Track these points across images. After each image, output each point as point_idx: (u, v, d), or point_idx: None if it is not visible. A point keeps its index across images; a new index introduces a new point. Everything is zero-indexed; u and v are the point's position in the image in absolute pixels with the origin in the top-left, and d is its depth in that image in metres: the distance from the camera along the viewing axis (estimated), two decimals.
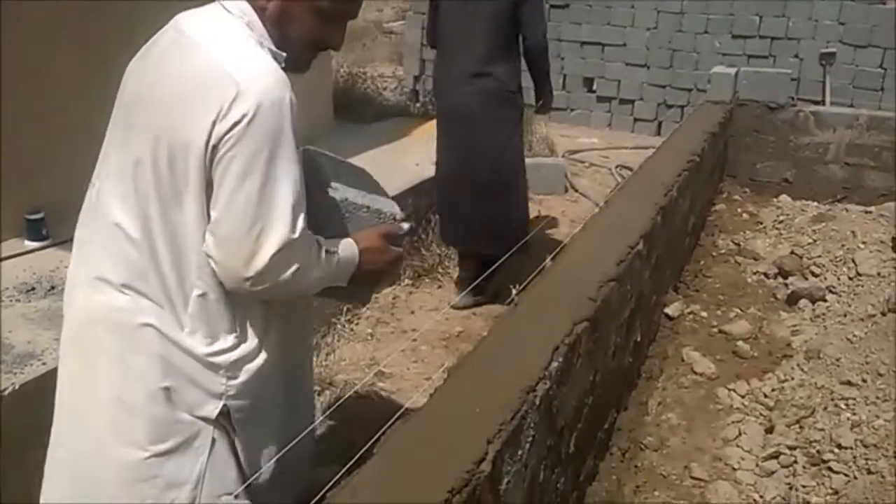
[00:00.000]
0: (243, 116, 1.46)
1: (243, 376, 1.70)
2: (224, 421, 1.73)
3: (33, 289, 3.12)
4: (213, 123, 1.46)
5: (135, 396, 1.63)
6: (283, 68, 1.57)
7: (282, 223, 1.54)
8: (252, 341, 1.71)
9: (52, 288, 3.12)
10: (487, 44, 4.12)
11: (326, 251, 1.68)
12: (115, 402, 1.64)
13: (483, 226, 4.18)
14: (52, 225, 3.58)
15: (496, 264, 3.82)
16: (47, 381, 2.56)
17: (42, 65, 3.64)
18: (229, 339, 1.67)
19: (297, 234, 1.56)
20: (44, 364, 2.58)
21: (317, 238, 1.67)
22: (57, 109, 3.72)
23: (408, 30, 10.29)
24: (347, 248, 1.74)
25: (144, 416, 1.64)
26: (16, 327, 2.82)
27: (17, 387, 2.47)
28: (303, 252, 1.61)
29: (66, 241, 3.53)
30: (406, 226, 1.87)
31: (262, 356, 1.73)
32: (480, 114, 4.10)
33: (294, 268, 1.58)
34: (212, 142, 1.48)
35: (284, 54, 1.59)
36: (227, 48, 1.53)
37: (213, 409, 1.69)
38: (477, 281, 3.69)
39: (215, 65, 1.49)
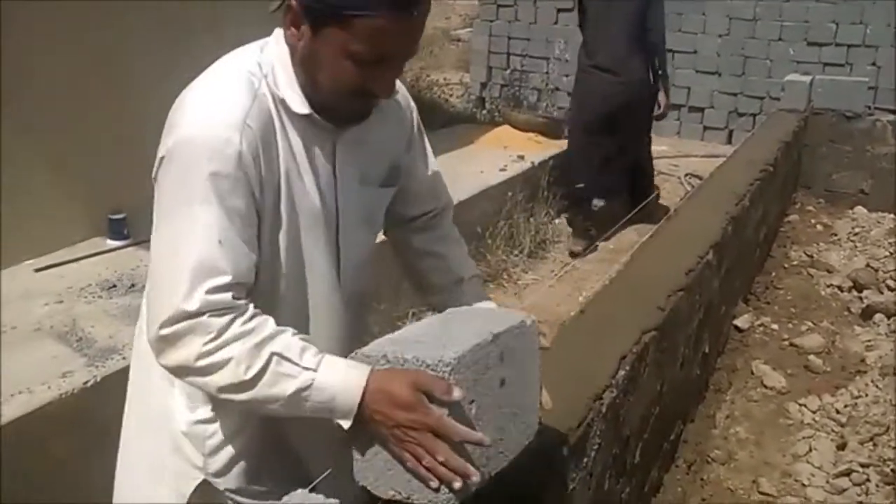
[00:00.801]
0: (161, 157, 1.28)
1: (223, 456, 1.44)
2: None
3: (114, 286, 3.24)
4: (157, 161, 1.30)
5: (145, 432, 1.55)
6: (320, 116, 1.31)
7: (172, 290, 1.18)
8: (233, 418, 1.42)
9: (133, 285, 3.24)
10: (626, 36, 5.04)
11: (281, 357, 1.17)
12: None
13: (627, 182, 5.50)
14: (134, 225, 3.71)
15: (629, 215, 4.98)
16: (127, 374, 2.67)
17: (125, 63, 3.78)
18: (207, 411, 1.42)
19: (192, 308, 1.16)
20: (124, 358, 2.68)
21: (272, 336, 1.19)
22: (141, 109, 3.85)
23: (475, 37, 10.34)
24: (336, 374, 1.17)
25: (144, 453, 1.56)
26: (98, 322, 2.94)
27: (98, 379, 2.57)
28: (217, 330, 1.17)
29: (146, 241, 3.66)
30: (458, 393, 1.11)
31: (246, 437, 1.44)
32: (622, 100, 5.04)
33: (200, 346, 1.17)
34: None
35: (295, 100, 1.30)
36: (202, 81, 1.31)
37: (192, 482, 1.46)
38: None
39: (177, 100, 1.31)
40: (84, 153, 3.65)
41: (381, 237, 1.63)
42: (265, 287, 1.34)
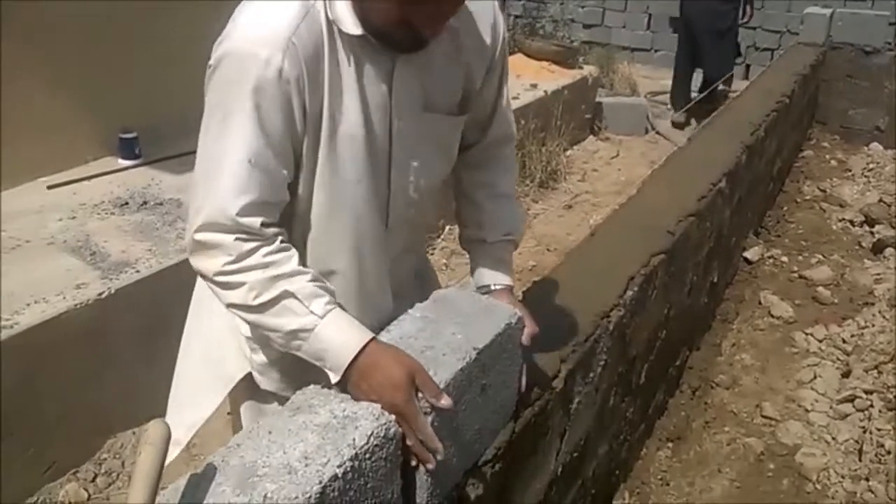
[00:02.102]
0: (209, 66, 1.25)
1: (264, 356, 1.49)
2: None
3: (126, 203, 3.25)
4: None
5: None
6: (376, 39, 1.25)
7: (205, 200, 1.21)
8: None
9: (144, 203, 3.25)
10: None
11: (293, 296, 1.20)
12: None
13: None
14: (144, 145, 3.71)
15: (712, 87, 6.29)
16: (140, 287, 2.71)
17: None
18: None
19: (221, 221, 1.20)
20: (137, 272, 2.71)
21: (290, 274, 1.22)
22: (153, 31, 3.81)
23: None
24: (337, 329, 1.21)
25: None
26: (111, 238, 2.96)
27: (112, 291, 2.60)
28: (238, 255, 1.20)
29: (157, 161, 3.67)
30: (445, 402, 1.18)
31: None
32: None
33: (220, 265, 1.21)
34: None
35: (347, 20, 1.23)
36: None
37: (239, 372, 1.53)
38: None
39: (236, 9, 1.27)
40: (96, 73, 3.62)
41: None
42: (303, 207, 1.34)
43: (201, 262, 1.25)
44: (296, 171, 1.29)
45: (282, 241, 1.25)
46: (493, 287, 1.54)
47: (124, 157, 3.67)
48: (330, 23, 1.23)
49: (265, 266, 1.21)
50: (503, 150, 1.60)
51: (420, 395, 1.18)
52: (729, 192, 3.27)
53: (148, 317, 2.71)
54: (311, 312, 1.20)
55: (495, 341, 1.36)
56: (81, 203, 3.26)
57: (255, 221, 1.21)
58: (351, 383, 1.20)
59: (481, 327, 1.37)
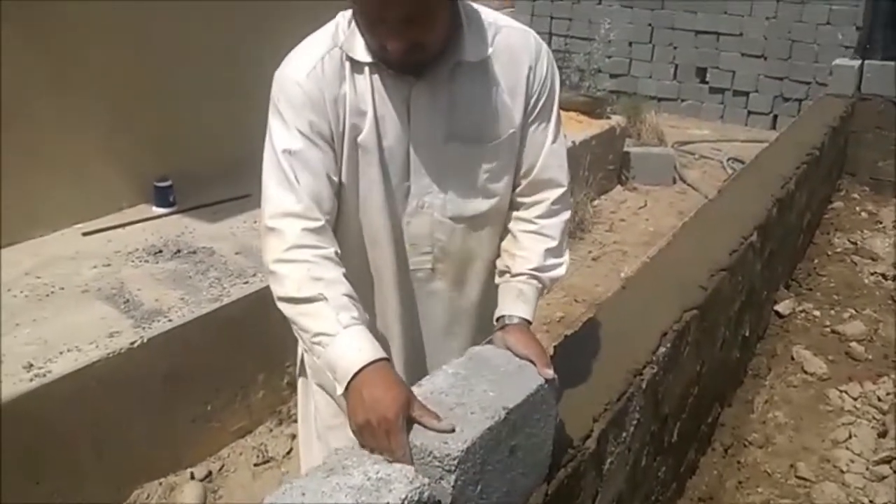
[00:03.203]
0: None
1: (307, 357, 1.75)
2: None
3: (160, 251, 3.30)
4: None
5: None
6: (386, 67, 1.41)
7: (269, 191, 1.42)
8: None
9: (178, 251, 3.29)
10: None
11: (325, 300, 1.31)
12: None
13: None
14: (179, 192, 3.77)
15: None
16: (172, 336, 2.73)
17: (174, 37, 3.82)
18: None
19: (271, 224, 1.39)
20: (169, 321, 2.74)
21: (331, 281, 1.34)
22: (188, 81, 3.90)
23: (517, 16, 10.25)
24: (351, 344, 1.28)
25: None
26: (144, 286, 3.00)
27: (145, 340, 2.62)
28: (293, 245, 1.36)
29: (191, 209, 3.73)
30: (445, 425, 1.21)
31: None
32: None
33: (279, 251, 1.37)
34: None
35: (357, 48, 1.41)
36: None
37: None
38: None
39: None
40: (133, 121, 3.70)
41: None
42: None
43: (268, 247, 1.40)
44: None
45: (336, 253, 1.39)
46: (508, 320, 1.52)
47: (159, 205, 3.73)
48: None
49: (312, 264, 1.34)
50: (548, 195, 1.60)
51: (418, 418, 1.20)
52: (760, 245, 3.24)
53: (179, 365, 2.73)
54: (338, 321, 1.29)
55: (527, 402, 1.35)
56: (116, 250, 3.31)
57: (305, 207, 1.38)
58: (351, 387, 1.25)
59: (514, 387, 1.35)
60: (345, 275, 1.38)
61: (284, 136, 1.41)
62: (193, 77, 3.93)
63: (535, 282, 1.56)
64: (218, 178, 3.84)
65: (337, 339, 1.28)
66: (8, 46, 3.18)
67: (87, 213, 3.59)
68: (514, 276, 1.56)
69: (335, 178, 1.45)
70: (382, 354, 1.28)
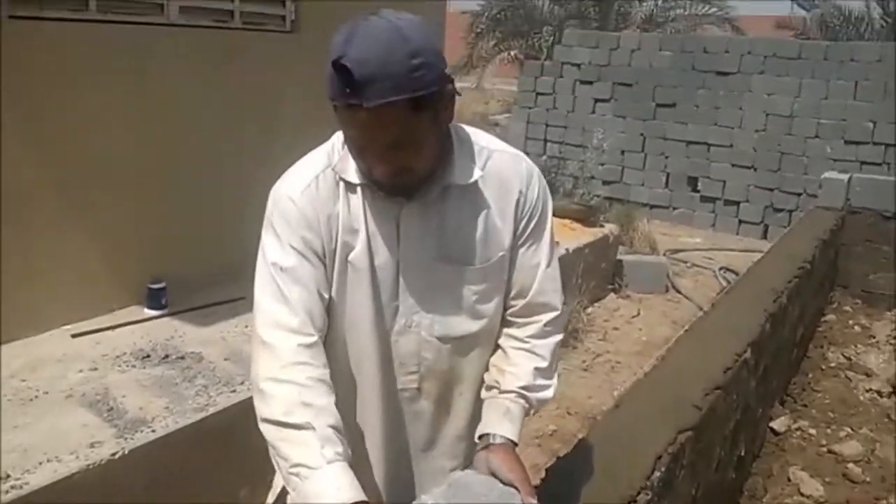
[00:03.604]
0: None
1: None
2: None
3: (148, 356, 3.26)
4: None
5: None
6: (378, 189, 1.42)
7: (258, 300, 1.43)
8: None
9: (166, 356, 3.25)
10: None
11: (311, 429, 1.29)
12: None
13: None
14: (172, 294, 3.75)
15: None
16: (154, 447, 2.66)
17: (172, 140, 3.90)
18: None
19: (265, 336, 1.39)
20: (153, 431, 2.67)
21: (320, 409, 1.32)
22: (186, 183, 3.95)
23: (513, 123, 10.54)
24: (329, 482, 1.25)
25: None
26: (130, 392, 2.94)
27: (126, 451, 2.56)
28: (286, 364, 1.35)
29: (183, 311, 3.71)
30: None
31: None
32: None
33: (270, 369, 1.36)
34: None
35: (348, 169, 1.44)
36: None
37: None
38: None
39: None
40: (128, 222, 3.73)
41: None
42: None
43: (259, 362, 1.39)
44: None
45: (328, 375, 1.37)
46: (492, 439, 1.48)
47: (151, 307, 3.71)
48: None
49: (304, 387, 1.32)
50: (542, 317, 1.59)
51: None
52: (754, 362, 3.22)
53: (160, 477, 2.65)
54: (322, 455, 1.26)
55: None
56: (104, 354, 3.27)
57: (301, 322, 1.38)
58: None
59: None
60: (335, 402, 1.36)
61: (278, 251, 1.42)
62: (191, 179, 3.98)
63: (522, 401, 1.53)
64: (211, 281, 3.84)
65: (317, 473, 1.25)
66: (3, 143, 3.22)
67: (77, 314, 3.57)
68: (502, 392, 1.54)
69: (326, 295, 1.45)
70: (362, 497, 1.25)
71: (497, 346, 1.61)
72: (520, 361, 1.56)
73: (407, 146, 1.31)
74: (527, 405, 1.54)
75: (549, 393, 1.59)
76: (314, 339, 1.39)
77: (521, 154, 1.58)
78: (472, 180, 1.45)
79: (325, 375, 1.38)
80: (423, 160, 1.37)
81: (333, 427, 1.31)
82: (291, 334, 1.37)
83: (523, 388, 1.53)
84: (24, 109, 3.31)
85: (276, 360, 1.35)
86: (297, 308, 1.39)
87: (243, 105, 4.24)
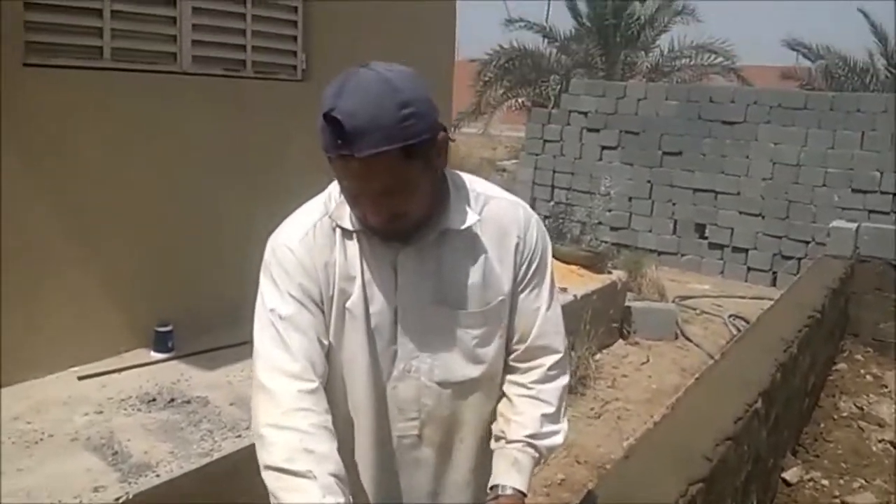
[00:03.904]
0: None
1: None
2: None
3: (154, 399, 3.24)
4: None
5: None
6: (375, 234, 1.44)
7: (257, 346, 1.45)
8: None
9: (172, 400, 3.24)
10: None
11: (312, 478, 1.29)
12: None
13: None
14: (179, 338, 3.75)
15: None
16: (158, 492, 2.63)
17: (178, 183, 3.93)
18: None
19: (265, 381, 1.40)
20: (157, 476, 2.65)
21: (321, 457, 1.33)
22: (193, 226, 3.98)
23: (520, 169, 10.61)
24: None
25: None
26: (135, 436, 2.92)
27: (130, 497, 2.53)
28: (287, 410, 1.37)
29: (189, 355, 3.70)
30: None
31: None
32: None
33: (263, 420, 1.38)
34: None
35: (343, 216, 1.45)
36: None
37: None
38: None
39: None
40: (136, 265, 3.74)
41: None
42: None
43: (259, 408, 1.39)
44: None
45: (328, 419, 1.38)
46: (501, 490, 1.47)
47: (157, 350, 3.71)
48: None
49: (305, 434, 1.33)
50: (544, 361, 1.58)
51: None
52: (765, 412, 3.18)
53: None
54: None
55: None
56: (109, 397, 3.26)
57: (301, 367, 1.39)
58: None
59: None
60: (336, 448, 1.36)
61: (277, 299, 1.44)
62: (198, 223, 4.01)
63: (530, 450, 1.52)
64: (218, 324, 3.83)
65: None
66: (9, 182, 3.25)
67: (84, 357, 3.57)
68: (509, 442, 1.52)
69: (325, 342, 1.46)
70: None
71: (503, 394, 1.60)
72: (525, 409, 1.55)
73: (399, 193, 1.33)
74: (536, 454, 1.52)
75: (558, 439, 1.57)
76: (315, 384, 1.40)
77: (519, 200, 1.59)
78: (468, 225, 1.46)
79: (328, 422, 1.38)
80: (417, 206, 1.38)
81: (335, 475, 1.31)
82: (292, 380, 1.38)
83: (530, 436, 1.52)
84: (35, 154, 3.36)
85: (277, 407, 1.36)
86: (298, 354, 1.40)
87: (252, 152, 4.29)
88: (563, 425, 1.59)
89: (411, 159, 1.29)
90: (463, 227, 1.45)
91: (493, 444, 1.57)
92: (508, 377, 1.60)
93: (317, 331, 1.44)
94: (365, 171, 1.27)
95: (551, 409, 1.56)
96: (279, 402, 1.36)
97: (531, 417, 1.54)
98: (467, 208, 1.47)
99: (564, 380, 1.61)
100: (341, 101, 1.25)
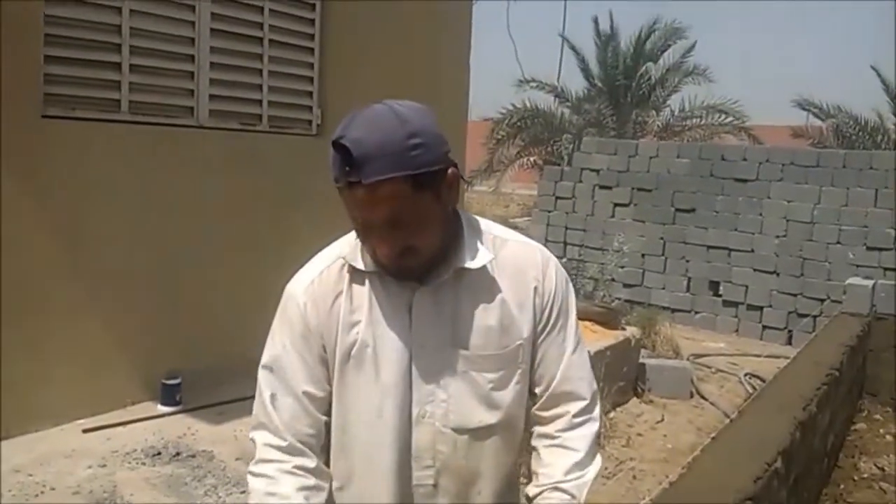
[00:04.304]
0: None
1: None
2: None
3: (159, 453, 3.19)
4: None
5: None
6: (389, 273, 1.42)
7: (256, 399, 1.48)
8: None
9: (177, 454, 3.19)
10: None
11: None
12: None
13: None
14: (187, 391, 3.71)
15: None
16: None
17: (188, 236, 3.94)
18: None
19: (251, 433, 1.46)
20: None
21: (283, 496, 1.39)
22: (202, 280, 3.97)
23: (533, 226, 10.61)
24: None
25: None
26: (138, 491, 2.87)
27: None
28: (252, 465, 1.44)
29: (197, 408, 3.65)
30: None
31: None
32: None
33: (248, 468, 1.45)
34: None
35: (356, 258, 1.44)
36: None
37: None
38: None
39: None
40: (144, 318, 3.73)
41: None
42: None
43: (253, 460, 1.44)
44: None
45: (299, 467, 1.41)
46: None
47: (164, 403, 3.67)
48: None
49: (270, 479, 1.40)
50: (569, 408, 1.52)
51: None
52: (785, 472, 3.09)
53: None
54: None
55: None
56: (114, 450, 3.21)
57: (280, 423, 1.41)
58: None
59: None
60: (309, 486, 1.41)
61: (272, 351, 1.47)
62: (209, 276, 4.00)
63: (557, 493, 1.45)
64: (226, 377, 3.79)
65: None
66: (23, 233, 3.26)
67: (90, 409, 3.53)
68: (533, 497, 1.48)
69: (320, 394, 1.46)
70: None
71: (532, 449, 1.55)
72: (552, 460, 1.49)
73: (407, 225, 1.31)
74: (567, 496, 1.45)
75: (589, 475, 1.50)
76: (286, 442, 1.43)
77: (537, 244, 1.56)
78: (483, 264, 1.43)
79: (290, 467, 1.41)
80: (427, 240, 1.36)
81: None
82: (268, 434, 1.43)
83: (557, 482, 1.46)
84: (50, 206, 3.38)
85: (255, 455, 1.44)
86: (274, 415, 1.43)
87: (266, 205, 4.31)
88: (593, 468, 1.51)
89: (419, 190, 1.29)
90: (478, 265, 1.42)
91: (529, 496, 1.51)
92: (536, 430, 1.55)
93: (308, 383, 1.45)
94: (372, 199, 1.27)
95: (579, 456, 1.49)
96: (256, 453, 1.44)
97: (558, 467, 1.48)
98: (482, 247, 1.44)
99: (594, 427, 1.54)
100: (349, 131, 1.26)
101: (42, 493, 2.82)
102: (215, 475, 3.02)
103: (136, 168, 3.70)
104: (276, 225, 4.33)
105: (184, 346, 3.87)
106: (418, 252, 1.36)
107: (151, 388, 3.71)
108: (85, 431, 3.37)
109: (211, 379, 3.80)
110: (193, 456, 3.18)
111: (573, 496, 1.46)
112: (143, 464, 3.10)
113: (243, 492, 2.88)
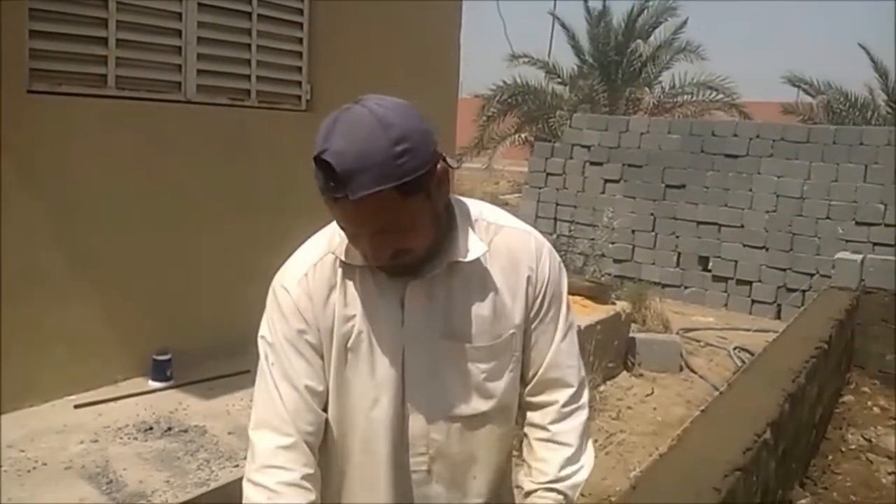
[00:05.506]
0: None
1: None
2: None
3: (151, 428, 3.19)
4: None
5: None
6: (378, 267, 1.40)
7: (252, 406, 1.47)
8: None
9: (169, 429, 3.19)
10: None
11: None
12: None
13: None
14: (177, 366, 3.70)
15: None
16: None
17: (179, 210, 3.92)
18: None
19: (251, 432, 1.44)
20: None
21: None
22: (193, 255, 3.95)
23: (523, 202, 10.62)
24: None
25: None
26: (130, 465, 2.87)
27: None
28: (252, 472, 1.41)
29: (187, 384, 3.65)
30: None
31: None
32: None
33: (245, 474, 1.43)
34: None
35: (340, 256, 1.43)
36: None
37: None
38: None
39: None
40: (134, 293, 3.71)
41: None
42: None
43: (249, 458, 1.43)
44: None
45: (306, 476, 1.38)
46: None
47: (155, 379, 3.66)
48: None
49: (273, 492, 1.35)
50: (557, 396, 1.53)
51: None
52: (774, 443, 3.12)
53: None
54: None
55: None
56: (105, 425, 3.21)
57: (281, 421, 1.39)
58: None
59: None
60: (311, 502, 1.39)
61: (269, 345, 1.45)
62: (198, 252, 3.99)
63: (552, 494, 1.47)
64: (217, 353, 3.80)
65: None
66: (12, 210, 3.24)
67: (81, 385, 3.52)
68: (530, 492, 1.49)
69: (320, 388, 1.44)
70: None
71: (524, 436, 1.56)
72: (545, 455, 1.51)
73: (398, 230, 1.28)
74: (560, 496, 1.48)
75: (581, 476, 1.52)
76: (292, 440, 1.40)
77: (531, 230, 1.54)
78: (476, 257, 1.41)
79: (298, 479, 1.38)
80: (419, 240, 1.33)
81: None
82: (271, 434, 1.40)
83: (552, 481, 1.48)
84: (37, 182, 3.35)
85: (254, 461, 1.40)
86: (281, 406, 1.41)
87: (255, 181, 4.29)
88: (586, 460, 1.53)
89: (409, 196, 1.25)
90: (471, 258, 1.40)
91: (517, 499, 1.54)
92: (528, 416, 1.56)
93: (309, 377, 1.43)
94: (361, 213, 1.23)
95: (571, 451, 1.51)
96: (256, 457, 1.40)
97: (551, 463, 1.49)
98: (475, 238, 1.42)
99: (582, 415, 1.55)
100: (331, 143, 1.21)
101: (34, 468, 2.81)
102: (208, 449, 3.03)
103: (124, 144, 3.66)
104: (265, 201, 4.31)
105: (174, 322, 3.86)
106: (412, 252, 1.34)
107: (141, 364, 3.70)
108: (76, 407, 3.36)
109: (201, 355, 3.80)
110: (185, 431, 3.19)
111: (568, 496, 1.49)
112: (135, 439, 3.10)
113: (236, 465, 2.90)
